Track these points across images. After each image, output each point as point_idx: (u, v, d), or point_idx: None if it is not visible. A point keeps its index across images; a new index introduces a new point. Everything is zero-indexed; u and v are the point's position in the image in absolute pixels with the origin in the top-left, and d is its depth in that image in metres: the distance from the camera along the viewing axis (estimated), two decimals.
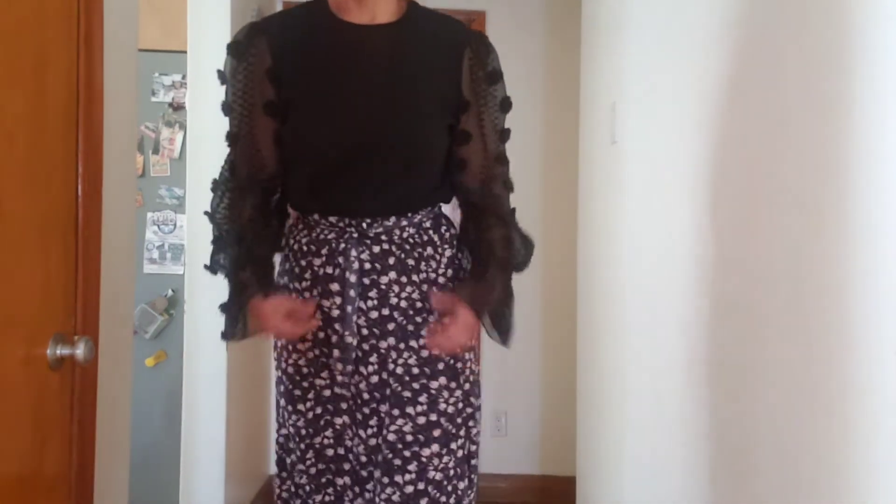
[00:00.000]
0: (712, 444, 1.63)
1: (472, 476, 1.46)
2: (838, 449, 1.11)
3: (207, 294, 2.48)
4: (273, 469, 3.29)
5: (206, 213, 1.45)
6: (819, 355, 1.18)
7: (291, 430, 1.44)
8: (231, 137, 1.40)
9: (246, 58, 1.34)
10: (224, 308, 1.41)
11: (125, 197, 1.58)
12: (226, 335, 1.42)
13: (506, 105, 1.41)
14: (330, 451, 1.42)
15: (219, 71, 1.38)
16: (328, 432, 1.41)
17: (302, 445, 1.43)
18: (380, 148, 1.32)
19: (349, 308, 1.36)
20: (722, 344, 1.60)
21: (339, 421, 1.41)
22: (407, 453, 1.38)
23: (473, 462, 1.47)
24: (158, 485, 2.69)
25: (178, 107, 2.88)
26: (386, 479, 1.37)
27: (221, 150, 1.42)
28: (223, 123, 1.40)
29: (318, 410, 1.41)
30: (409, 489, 1.37)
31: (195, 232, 2.51)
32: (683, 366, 1.79)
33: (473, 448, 1.46)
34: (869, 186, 1.05)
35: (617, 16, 2.14)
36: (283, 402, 1.46)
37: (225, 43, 1.37)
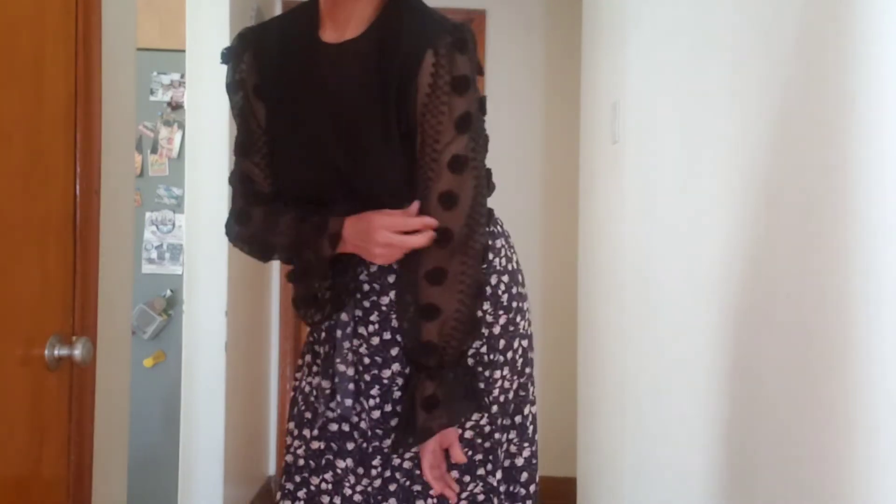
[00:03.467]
0: (713, 445, 1.63)
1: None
2: (840, 449, 1.11)
3: (206, 294, 2.48)
4: (272, 469, 3.27)
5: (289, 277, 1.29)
6: (819, 355, 1.17)
7: (290, 458, 1.31)
8: (240, 147, 1.28)
9: (238, 71, 1.26)
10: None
11: (123, 197, 1.57)
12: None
13: (463, 123, 1.14)
14: (325, 499, 1.28)
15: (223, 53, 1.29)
16: (328, 475, 1.28)
17: (297, 478, 1.29)
18: (338, 186, 1.21)
19: (338, 333, 1.25)
20: (722, 344, 1.60)
21: (341, 465, 1.27)
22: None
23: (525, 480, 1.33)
24: (157, 486, 2.68)
25: (176, 106, 2.87)
26: None
27: (220, 150, 1.38)
28: (221, 123, 1.35)
29: (321, 445, 1.28)
30: None
31: (194, 232, 2.50)
32: (684, 366, 1.79)
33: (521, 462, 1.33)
34: (869, 187, 1.05)
35: (618, 14, 2.13)
36: (291, 424, 1.33)
37: (224, 42, 1.34)
